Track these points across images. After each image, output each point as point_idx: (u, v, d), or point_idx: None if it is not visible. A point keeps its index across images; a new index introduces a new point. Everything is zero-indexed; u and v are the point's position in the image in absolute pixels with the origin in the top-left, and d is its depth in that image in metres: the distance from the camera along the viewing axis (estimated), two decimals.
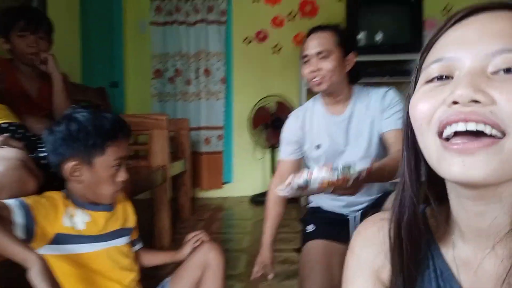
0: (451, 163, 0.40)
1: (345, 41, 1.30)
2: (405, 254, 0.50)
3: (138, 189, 1.70)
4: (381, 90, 1.34)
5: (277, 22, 3.51)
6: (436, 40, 0.46)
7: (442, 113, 0.41)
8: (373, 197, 1.37)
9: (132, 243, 1.07)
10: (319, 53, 1.25)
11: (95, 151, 0.90)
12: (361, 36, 3.09)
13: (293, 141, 1.41)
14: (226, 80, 3.56)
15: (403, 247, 0.50)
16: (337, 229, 1.33)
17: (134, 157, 2.28)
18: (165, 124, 2.05)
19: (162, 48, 3.56)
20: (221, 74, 3.52)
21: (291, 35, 3.50)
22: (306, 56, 1.29)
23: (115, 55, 3.47)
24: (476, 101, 0.39)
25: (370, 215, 0.60)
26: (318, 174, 0.86)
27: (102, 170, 0.91)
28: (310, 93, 3.31)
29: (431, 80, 0.44)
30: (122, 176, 0.95)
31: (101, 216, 0.95)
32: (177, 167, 2.49)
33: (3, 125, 1.18)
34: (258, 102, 3.35)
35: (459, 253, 0.49)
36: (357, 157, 1.31)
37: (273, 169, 3.37)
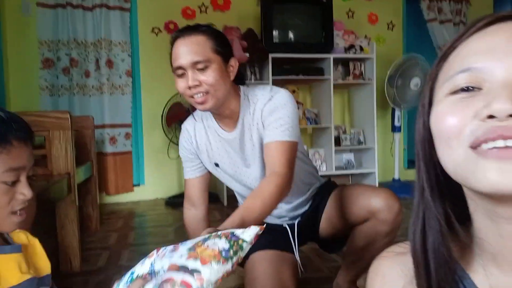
0: (486, 170, 0.36)
1: (223, 44, 1.07)
2: (434, 282, 0.44)
3: (38, 204, 1.37)
4: (267, 93, 1.12)
5: (188, 13, 3.30)
6: (454, 49, 0.43)
7: (476, 128, 0.38)
8: (300, 200, 1.28)
9: None
10: (198, 62, 1.01)
11: None
12: (275, 33, 3.08)
13: (191, 158, 1.24)
14: (133, 73, 3.22)
15: (431, 274, 0.44)
16: (278, 237, 1.22)
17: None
18: (68, 123, 1.72)
19: (52, 34, 3.05)
20: (126, 66, 3.17)
21: None
22: (179, 67, 1.02)
23: None
24: None
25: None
26: (212, 276, 0.58)
27: None
28: None
29: (456, 92, 0.41)
30: (22, 193, 0.70)
31: (10, 260, 0.69)
32: (82, 173, 2.13)
33: None
34: (172, 97, 3.10)
35: (497, 283, 0.43)
36: (262, 176, 1.18)
37: None
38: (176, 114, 3.06)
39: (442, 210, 0.44)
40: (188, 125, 1.24)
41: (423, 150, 0.45)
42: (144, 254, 2.14)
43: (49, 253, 0.85)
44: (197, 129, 1.21)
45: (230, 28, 3.04)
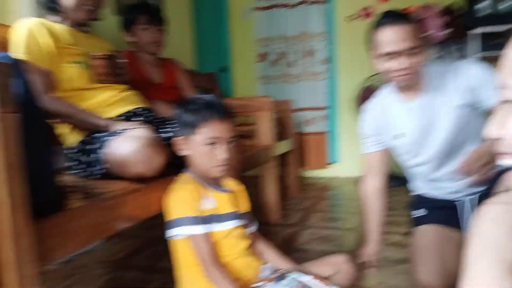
0: None
1: (420, 32, 1.16)
2: None
3: (247, 166, 1.81)
4: (464, 67, 1.19)
5: None
6: None
7: None
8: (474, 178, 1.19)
9: (247, 225, 1.13)
10: (411, 48, 1.11)
11: (191, 130, 1.01)
12: (483, 5, 2.71)
13: (373, 134, 1.32)
14: (330, 60, 3.49)
15: None
16: (448, 214, 1.24)
17: (243, 137, 2.42)
18: (269, 106, 2.13)
19: (265, 32, 3.65)
20: (323, 55, 3.47)
21: (399, 9, 3.23)
22: (392, 52, 1.13)
23: (223, 42, 3.69)
24: None
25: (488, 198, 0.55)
26: None
27: (199, 146, 1.01)
28: None
29: None
30: (219, 154, 1.01)
31: (221, 197, 1.05)
32: (282, 147, 2.57)
33: (137, 110, 1.37)
34: (364, 81, 3.21)
35: None
36: (443, 140, 1.20)
37: None
38: (367, 97, 3.15)
39: None
40: (372, 103, 1.34)
41: None
42: (331, 220, 2.46)
43: (255, 205, 1.19)
44: (382, 106, 1.30)
45: (426, 7, 2.88)
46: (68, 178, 1.17)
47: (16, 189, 0.57)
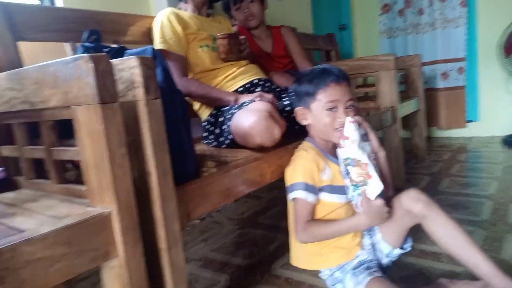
0: None
1: None
2: None
3: None
4: None
5: None
6: None
7: None
8: None
9: None
10: None
11: (309, 98, 1.07)
12: None
13: None
14: (468, 2, 3.00)
15: None
16: None
17: (364, 99, 2.34)
18: (392, 64, 1.99)
19: None
20: None
21: None
22: None
23: None
24: None
25: None
26: None
27: (318, 113, 1.06)
28: None
29: None
30: (339, 117, 1.04)
31: (338, 169, 1.09)
32: (408, 107, 2.40)
33: (255, 81, 1.47)
34: (511, 24, 2.69)
35: None
36: None
37: None
38: None
39: None
40: None
41: None
42: (464, 185, 2.27)
43: None
44: None
45: None
46: (202, 148, 1.35)
47: (162, 162, 0.71)
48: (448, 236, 1.01)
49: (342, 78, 1.06)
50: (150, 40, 1.45)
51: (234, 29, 1.76)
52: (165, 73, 0.88)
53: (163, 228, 0.70)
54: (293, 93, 1.15)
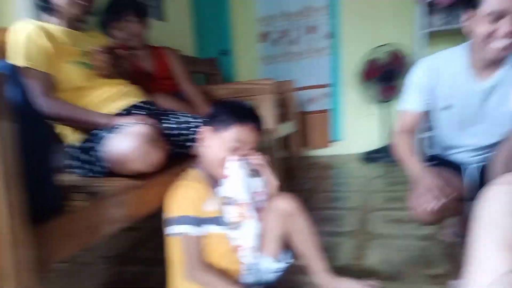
0: None
1: None
2: None
3: None
4: None
5: None
6: None
7: None
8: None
9: None
10: None
11: (222, 125, 1.05)
12: None
13: (425, 89, 1.24)
14: (332, 35, 3.43)
15: None
16: (453, 168, 1.32)
17: None
18: (271, 88, 2.12)
19: (266, 10, 3.60)
20: (326, 29, 3.41)
21: None
22: (498, 12, 1.01)
23: (223, 23, 3.64)
24: None
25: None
26: None
27: (220, 144, 1.04)
28: (433, 38, 2.97)
29: None
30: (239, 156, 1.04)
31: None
32: (285, 128, 2.58)
33: (136, 104, 1.38)
34: (368, 54, 3.17)
35: None
36: (490, 133, 1.22)
37: (387, 124, 3.21)
38: (372, 70, 3.12)
39: None
40: (432, 59, 1.26)
41: None
42: (333, 199, 2.46)
43: None
44: (442, 67, 1.23)
45: None
46: (69, 177, 1.19)
47: (14, 198, 0.60)
48: (304, 239, 1.13)
49: (260, 130, 1.08)
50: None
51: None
52: (25, 93, 0.76)
53: (14, 282, 0.58)
54: (211, 111, 1.11)
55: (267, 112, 2.14)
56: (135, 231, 1.98)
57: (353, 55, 3.36)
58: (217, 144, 1.05)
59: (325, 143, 3.57)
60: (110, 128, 1.14)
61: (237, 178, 1.01)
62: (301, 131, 3.32)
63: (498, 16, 1.00)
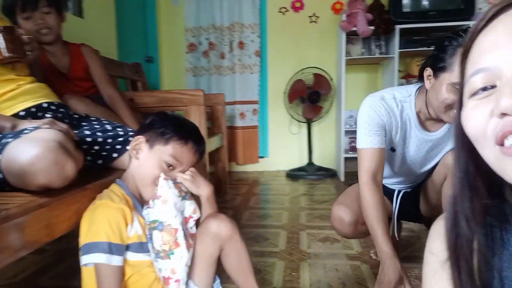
0: (507, 167, 0.39)
1: None
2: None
3: None
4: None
5: None
6: (471, 46, 0.44)
7: (495, 126, 0.39)
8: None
9: None
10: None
11: (160, 139, 0.93)
12: (405, 1, 2.87)
13: (379, 126, 1.17)
14: (261, 53, 3.46)
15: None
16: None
17: None
18: (202, 100, 2.01)
19: (195, 21, 3.50)
20: (255, 47, 3.42)
21: (330, 3, 3.32)
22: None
23: (149, 30, 3.45)
24: None
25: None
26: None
27: (154, 159, 0.93)
28: (350, 64, 3.16)
29: (476, 93, 0.43)
30: (170, 177, 0.93)
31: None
32: (214, 142, 2.48)
33: (44, 105, 1.17)
34: (294, 75, 3.24)
35: None
36: (422, 176, 1.34)
37: (310, 144, 3.30)
38: (298, 91, 3.20)
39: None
40: (391, 101, 1.20)
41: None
42: (261, 216, 2.39)
43: None
44: (396, 111, 1.19)
45: (355, 1, 2.97)
46: None
47: None
48: (238, 263, 1.01)
49: (201, 153, 0.99)
50: None
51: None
52: None
53: None
54: (150, 121, 0.97)
55: (197, 124, 2.02)
56: (40, 254, 1.70)
57: (280, 74, 3.43)
58: (151, 159, 0.93)
59: (253, 159, 3.54)
60: (13, 134, 0.93)
61: (169, 201, 0.89)
62: (229, 146, 3.24)
63: None
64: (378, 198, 1.14)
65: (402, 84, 3.05)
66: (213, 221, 0.97)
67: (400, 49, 2.89)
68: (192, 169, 0.99)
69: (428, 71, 1.07)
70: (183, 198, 0.95)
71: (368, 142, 1.17)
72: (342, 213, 1.29)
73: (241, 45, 3.44)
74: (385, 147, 1.20)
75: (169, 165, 0.93)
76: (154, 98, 2.02)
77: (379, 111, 1.17)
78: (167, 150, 0.92)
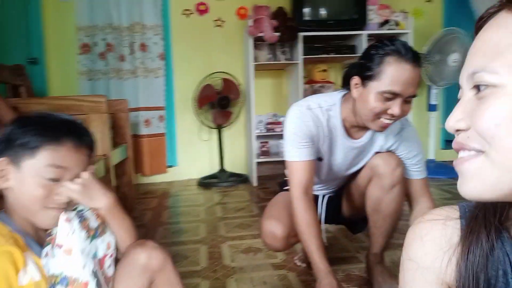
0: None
1: None
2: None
3: None
4: (397, 124, 1.19)
5: None
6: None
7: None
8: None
9: None
10: (413, 96, 1.04)
11: (24, 153, 0.71)
12: (306, 10, 3.01)
13: (310, 137, 1.15)
14: (165, 56, 3.27)
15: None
16: None
17: None
18: (104, 107, 1.80)
19: (89, 20, 3.15)
20: (159, 49, 3.23)
21: (234, 8, 3.30)
22: (395, 94, 1.01)
23: (33, 27, 3.00)
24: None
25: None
26: None
27: (31, 176, 0.71)
28: (258, 70, 3.18)
29: None
30: (60, 194, 0.73)
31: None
32: (118, 154, 2.24)
33: None
34: (202, 79, 3.14)
35: None
36: (339, 186, 1.39)
37: (221, 151, 3.23)
38: (207, 96, 3.11)
39: None
40: (317, 111, 1.17)
41: None
42: (177, 232, 2.22)
43: None
44: (323, 121, 1.18)
45: (259, 7, 3.00)
46: None
47: None
48: None
49: (88, 146, 0.78)
50: None
51: None
52: None
53: None
54: (7, 135, 0.74)
55: (100, 134, 1.80)
56: None
57: (187, 79, 3.29)
58: (25, 181, 0.71)
59: (161, 169, 3.32)
60: None
61: (73, 249, 0.70)
62: (135, 156, 2.98)
63: (392, 97, 1.02)
64: (312, 213, 1.15)
65: (306, 90, 3.19)
66: (142, 252, 0.81)
67: (303, 55, 3.01)
68: (85, 174, 0.76)
69: (356, 80, 1.08)
70: (93, 237, 0.76)
71: (297, 155, 1.15)
72: (273, 228, 1.23)
73: (143, 47, 3.20)
74: (313, 158, 1.19)
75: (53, 179, 0.73)
76: (44, 105, 1.73)
77: (306, 121, 1.15)
78: (40, 162, 0.72)
